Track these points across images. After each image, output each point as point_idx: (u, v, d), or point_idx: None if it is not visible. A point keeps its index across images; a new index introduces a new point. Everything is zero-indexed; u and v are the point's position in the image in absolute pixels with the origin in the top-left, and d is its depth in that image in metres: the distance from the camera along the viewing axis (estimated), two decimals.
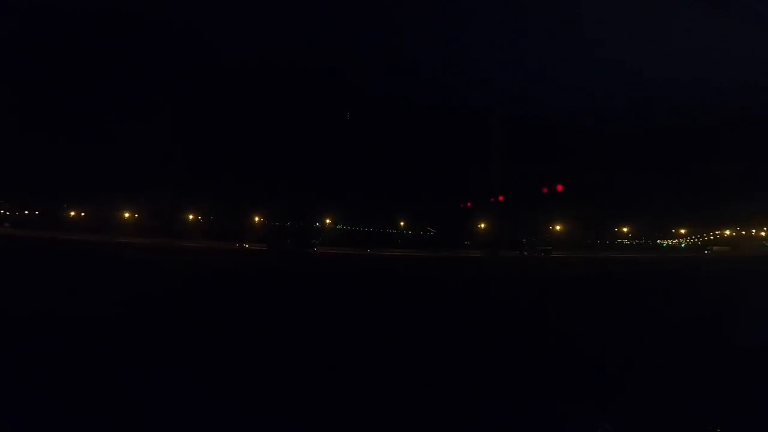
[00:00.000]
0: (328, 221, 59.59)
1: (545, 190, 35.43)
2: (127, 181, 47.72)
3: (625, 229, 67.23)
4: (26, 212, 54.11)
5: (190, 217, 56.42)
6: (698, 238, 68.79)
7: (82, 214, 54.56)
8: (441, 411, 6.24)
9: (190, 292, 15.66)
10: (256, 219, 57.70)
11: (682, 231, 68.17)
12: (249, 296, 16.24)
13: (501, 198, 44.13)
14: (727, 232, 66.97)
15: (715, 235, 67.91)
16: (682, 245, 68.67)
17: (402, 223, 62.41)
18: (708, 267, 38.03)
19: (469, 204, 55.11)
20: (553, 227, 62.17)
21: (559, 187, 35.22)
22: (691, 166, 53.73)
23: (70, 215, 53.92)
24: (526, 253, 56.05)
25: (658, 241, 68.72)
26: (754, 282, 22.99)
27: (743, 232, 65.52)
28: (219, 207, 55.86)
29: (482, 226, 57.20)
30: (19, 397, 5.91)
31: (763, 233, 64.69)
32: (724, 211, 58.84)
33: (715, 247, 64.86)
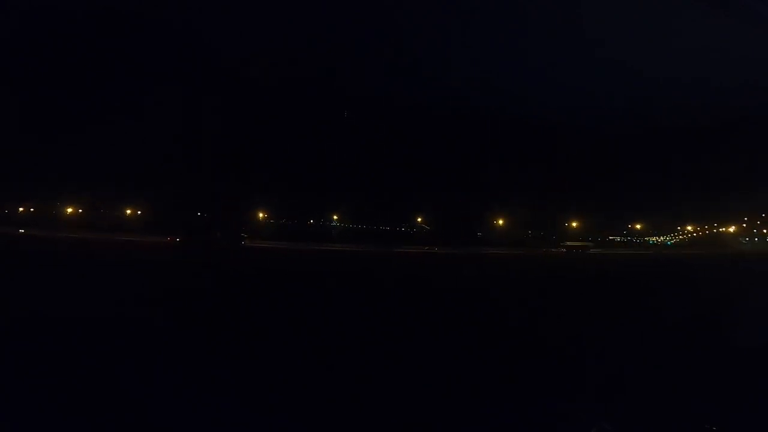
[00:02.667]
0: (261, 215, 57.59)
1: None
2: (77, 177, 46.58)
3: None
4: None
5: (128, 211, 53.74)
6: (687, 235, 68.93)
7: (32, 209, 53.22)
8: (441, 411, 6.24)
9: (176, 292, 15.64)
10: (198, 213, 54.57)
11: (641, 225, 67.92)
12: (248, 296, 16.22)
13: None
14: (695, 227, 67.03)
15: (707, 230, 67.88)
16: (668, 242, 68.91)
17: (335, 216, 60.37)
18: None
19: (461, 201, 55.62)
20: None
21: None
22: (691, 166, 53.88)
23: (19, 211, 52.59)
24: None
25: (646, 238, 68.97)
26: (754, 282, 22.94)
27: (722, 229, 65.46)
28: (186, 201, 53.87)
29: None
30: (19, 397, 5.91)
31: (732, 230, 64.56)
32: (723, 210, 59.06)
33: (569, 243, 63.29)
